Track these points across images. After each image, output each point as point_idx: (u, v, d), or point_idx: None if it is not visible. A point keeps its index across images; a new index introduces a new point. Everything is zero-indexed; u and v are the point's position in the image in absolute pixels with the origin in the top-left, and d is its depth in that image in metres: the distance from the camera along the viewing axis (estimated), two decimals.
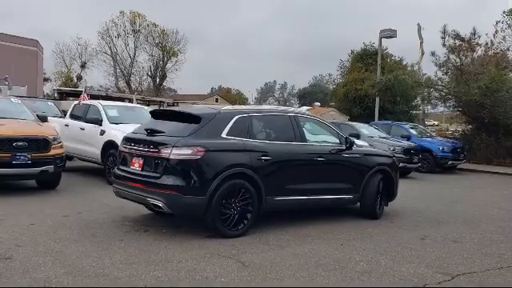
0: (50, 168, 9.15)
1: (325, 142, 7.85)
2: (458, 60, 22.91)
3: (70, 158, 12.44)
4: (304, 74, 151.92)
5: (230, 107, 6.96)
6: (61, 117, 14.32)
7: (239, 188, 6.46)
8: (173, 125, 6.68)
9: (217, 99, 58.48)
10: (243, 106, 7.21)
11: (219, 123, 6.56)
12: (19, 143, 8.74)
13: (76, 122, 12.27)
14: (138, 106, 14.22)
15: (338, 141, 7.92)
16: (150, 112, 7.35)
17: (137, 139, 6.72)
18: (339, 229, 7.31)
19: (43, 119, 10.62)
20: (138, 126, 10.81)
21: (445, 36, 22.84)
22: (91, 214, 7.60)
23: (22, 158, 8.76)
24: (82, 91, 14.89)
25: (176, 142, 6.15)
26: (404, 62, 39.22)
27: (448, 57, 22.97)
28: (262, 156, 6.69)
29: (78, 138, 11.91)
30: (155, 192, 6.16)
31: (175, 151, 6.09)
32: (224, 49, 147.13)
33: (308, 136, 7.49)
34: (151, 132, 6.57)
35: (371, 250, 6.19)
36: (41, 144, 9.11)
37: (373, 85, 25.18)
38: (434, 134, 22.92)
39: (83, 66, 59.11)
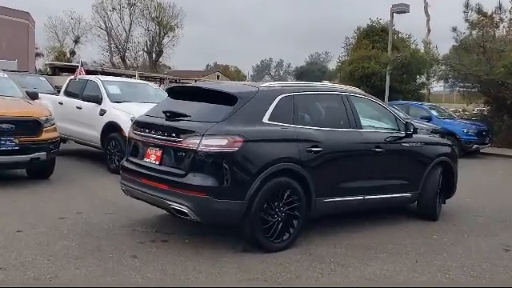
0: (42, 155, 7.68)
1: (381, 128, 6.41)
2: (480, 36, 21.33)
3: (64, 140, 10.97)
4: (300, 51, 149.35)
5: (268, 84, 5.46)
6: (54, 93, 12.74)
7: (285, 188, 5.04)
8: (199, 106, 5.20)
9: (218, 76, 56.49)
10: (284, 82, 5.70)
11: (259, 105, 5.09)
12: (4, 125, 7.24)
13: (71, 100, 10.74)
14: (142, 81, 12.67)
15: (395, 126, 6.47)
16: (168, 90, 5.84)
17: (153, 124, 5.25)
18: (399, 237, 5.93)
19: (33, 96, 9.10)
20: (152, 106, 9.43)
21: (467, 10, 21.21)
22: (93, 214, 6.16)
23: (7, 143, 7.28)
24: (76, 66, 13.25)
25: (206, 129, 4.68)
26: (412, 40, 37.75)
27: (470, 32, 21.40)
28: (312, 147, 5.25)
29: (74, 118, 10.41)
30: (178, 194, 4.72)
31: (206, 141, 4.63)
32: (220, 27, 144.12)
33: (362, 120, 6.03)
34: (172, 115, 5.10)
35: (457, 270, 4.82)
36: (30, 126, 7.62)
37: (387, 62, 23.55)
38: (454, 115, 21.52)
39: (77, 40, 56.93)
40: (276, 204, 4.99)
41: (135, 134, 5.48)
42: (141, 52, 55.46)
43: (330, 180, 5.48)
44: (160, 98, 10.69)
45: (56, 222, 5.70)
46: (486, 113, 23.03)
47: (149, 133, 5.21)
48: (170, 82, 24.67)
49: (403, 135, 6.40)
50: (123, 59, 55.08)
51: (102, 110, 9.72)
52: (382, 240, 5.70)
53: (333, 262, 4.83)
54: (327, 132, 5.52)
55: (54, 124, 8.14)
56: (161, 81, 25.31)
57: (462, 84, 23.00)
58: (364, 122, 6.05)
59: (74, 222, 5.75)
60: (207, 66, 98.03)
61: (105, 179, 8.57)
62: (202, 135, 4.66)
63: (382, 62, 25.44)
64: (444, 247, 5.60)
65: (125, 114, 9.23)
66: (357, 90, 6.43)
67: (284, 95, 5.29)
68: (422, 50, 24.65)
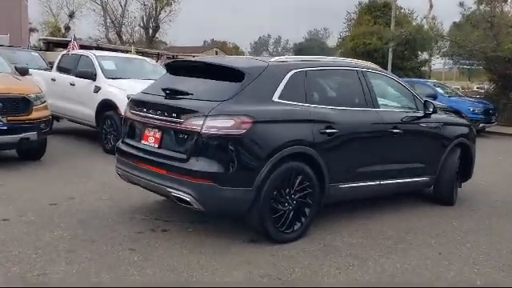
0: (32, 135, 7.19)
1: (398, 107, 5.93)
2: (488, 11, 20.70)
3: (57, 118, 10.48)
4: (298, 28, 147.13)
5: (278, 58, 4.94)
6: (46, 69, 12.17)
7: (296, 174, 4.58)
8: (202, 83, 4.70)
9: (216, 52, 55.39)
10: (295, 57, 5.19)
11: (269, 81, 4.59)
12: None
13: (64, 76, 10.19)
14: (139, 57, 12.10)
15: (413, 105, 6.00)
16: (167, 65, 5.31)
17: (151, 103, 4.75)
18: (417, 224, 5.51)
19: (23, 72, 8.54)
20: (150, 83, 8.96)
21: None
22: (87, 200, 5.71)
23: None
24: (70, 40, 12.61)
25: (210, 109, 4.20)
26: (415, 16, 37.05)
27: (478, 7, 20.76)
28: (326, 128, 4.78)
29: (67, 95, 9.88)
30: (180, 181, 4.26)
31: (210, 123, 4.15)
32: (217, 2, 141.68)
33: (379, 99, 5.54)
34: (172, 93, 4.60)
35: (485, 263, 4.41)
36: (19, 104, 7.11)
37: (391, 38, 22.92)
38: (459, 93, 21.04)
39: (71, 15, 55.56)
40: (287, 191, 4.55)
41: (132, 113, 4.99)
42: (137, 27, 54.35)
43: (345, 164, 5.02)
44: (158, 75, 10.14)
45: (46, 209, 5.25)
46: (490, 90, 22.53)
47: (147, 112, 4.73)
48: (168, 57, 24.01)
49: (421, 115, 5.93)
50: (119, 35, 53.97)
51: (96, 86, 9.20)
52: (399, 228, 5.28)
53: (350, 255, 4.40)
54: (342, 112, 5.04)
55: (44, 102, 7.62)
56: (158, 56, 24.65)
57: (466, 61, 22.44)
58: (381, 100, 5.57)
59: (66, 209, 5.30)
60: (204, 42, 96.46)
61: (100, 160, 8.10)
62: (206, 116, 4.18)
63: (385, 38, 24.75)
64: (466, 236, 5.18)
65: (121, 92, 8.72)
66: (372, 65, 5.92)
67: (296, 71, 4.79)
68: (426, 26, 23.96)
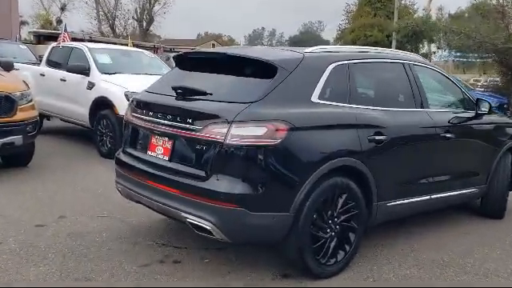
0: (17, 139, 6.25)
1: (447, 106, 5.06)
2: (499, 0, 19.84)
3: (47, 117, 9.54)
4: (292, 21, 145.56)
5: (314, 49, 4.01)
6: (35, 63, 11.18)
7: (340, 192, 3.70)
8: (223, 80, 3.80)
9: (213, 44, 54.15)
10: (331, 47, 4.27)
11: (306, 77, 3.69)
12: None
13: (54, 71, 9.21)
14: (136, 49, 11.14)
15: (462, 104, 5.13)
16: (177, 58, 4.36)
17: (158, 104, 3.84)
18: (472, 246, 4.67)
19: (7, 67, 7.57)
20: (149, 78, 8.02)
21: None
22: (80, 219, 4.80)
23: None
24: (62, 32, 11.60)
25: (236, 113, 3.29)
26: (416, 7, 36.30)
27: None
28: (375, 134, 3.90)
29: (58, 92, 8.93)
30: (198, 204, 3.36)
31: (236, 131, 3.25)
32: None
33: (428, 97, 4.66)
34: (185, 92, 3.69)
35: None
36: (2, 104, 6.17)
37: (396, 30, 22.03)
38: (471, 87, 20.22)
39: (63, 8, 54.21)
40: (329, 214, 3.66)
41: (135, 116, 4.08)
42: (131, 20, 53.16)
43: (394, 178, 4.15)
44: (158, 69, 9.27)
45: (32, 233, 4.34)
46: (500, 84, 21.73)
47: (153, 116, 3.82)
48: (165, 50, 22.99)
49: (472, 115, 5.04)
50: (112, 28, 52.78)
51: (89, 82, 8.26)
52: (454, 252, 4.42)
53: None
54: (391, 114, 4.15)
55: (31, 101, 6.68)
56: (154, 50, 23.61)
57: (475, 54, 21.62)
58: (430, 99, 4.69)
59: (55, 232, 4.39)
60: (198, 35, 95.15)
61: (95, 166, 7.18)
62: (231, 122, 3.27)
63: (389, 30, 23.88)
64: None
65: (117, 88, 7.81)
66: (419, 56, 5.03)
67: (337, 64, 3.89)
68: (434, 17, 23.10)
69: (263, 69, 3.59)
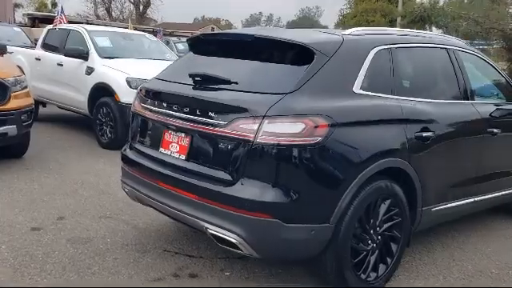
0: (11, 129, 5.72)
1: (492, 97, 4.55)
2: None
3: (43, 103, 8.99)
4: (290, 5, 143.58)
5: (353, 30, 3.46)
6: (30, 47, 10.59)
7: (384, 198, 3.20)
8: (249, 67, 3.26)
9: (213, 28, 52.97)
10: (371, 29, 3.71)
11: (347, 64, 3.17)
12: None
13: (51, 55, 8.63)
14: (137, 32, 10.53)
15: (504, 94, 4.62)
16: (191, 40, 3.78)
17: (172, 94, 3.31)
18: None
19: (0, 50, 7.00)
20: (152, 63, 7.51)
21: None
22: (81, 220, 4.30)
23: None
24: (59, 14, 10.96)
25: (269, 105, 2.78)
26: None
27: None
28: (422, 130, 3.39)
29: (55, 77, 8.36)
30: (222, 213, 2.85)
31: (269, 127, 2.74)
32: None
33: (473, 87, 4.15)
34: (204, 81, 3.15)
35: None
36: None
37: (403, 15, 21.42)
38: None
39: None
40: (371, 223, 3.16)
41: (144, 107, 3.55)
42: (127, 3, 52.21)
43: (441, 179, 3.67)
44: (161, 54, 8.72)
45: (27, 239, 3.83)
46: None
47: (167, 108, 3.29)
48: (165, 34, 22.31)
49: None
50: (108, 11, 51.88)
51: (88, 67, 7.69)
52: (501, 261, 3.96)
53: None
54: (438, 106, 3.65)
55: (26, 87, 6.14)
56: (153, 33, 22.89)
57: (482, 41, 21.08)
58: (475, 89, 4.17)
59: (54, 238, 3.88)
60: (195, 19, 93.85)
61: (95, 158, 6.65)
62: (263, 116, 2.75)
63: (395, 15, 23.26)
64: None
65: (118, 74, 7.27)
66: (461, 41, 4.50)
67: (379, 48, 3.37)
68: (442, 2, 22.48)
69: (298, 53, 3.06)
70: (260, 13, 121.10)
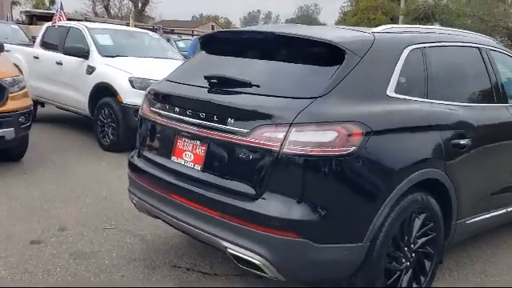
0: (8, 132, 5.42)
1: None
2: None
3: (42, 103, 8.68)
4: (288, 3, 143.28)
5: (384, 28, 3.16)
6: (28, 45, 10.26)
7: (419, 212, 2.91)
8: (271, 68, 2.96)
9: (212, 26, 52.40)
10: (401, 26, 3.43)
11: (380, 64, 2.89)
12: None
13: (50, 54, 8.31)
14: (139, 30, 10.21)
15: None
16: (204, 38, 3.46)
17: (185, 98, 3.02)
18: None
19: None
20: (157, 62, 7.22)
21: None
22: (84, 232, 4.01)
23: None
24: (58, 11, 10.63)
25: (297, 111, 2.48)
26: None
27: None
28: (459, 137, 3.10)
29: (54, 76, 8.05)
30: (244, 231, 2.56)
31: (297, 135, 2.45)
32: None
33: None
34: (222, 83, 2.86)
35: None
36: None
37: (406, 13, 21.12)
38: None
39: None
40: (405, 240, 2.87)
41: (153, 112, 3.25)
42: (126, 1, 51.88)
43: (476, 189, 3.39)
44: (164, 52, 8.41)
45: (26, 254, 3.54)
46: None
47: (180, 113, 3.00)
48: (165, 32, 21.96)
49: None
50: (107, 8, 51.58)
51: (89, 66, 7.38)
52: None
53: None
54: (473, 111, 3.37)
55: (24, 88, 5.84)
56: (153, 31, 22.56)
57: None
58: (508, 91, 3.88)
59: (55, 252, 3.59)
60: (193, 17, 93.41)
61: (96, 162, 6.35)
62: (290, 124, 2.46)
63: (400, 12, 22.94)
64: None
65: (121, 73, 6.96)
66: (491, 39, 4.21)
67: (412, 48, 3.08)
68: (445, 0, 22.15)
69: (327, 53, 2.77)
70: (258, 10, 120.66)
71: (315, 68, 2.78)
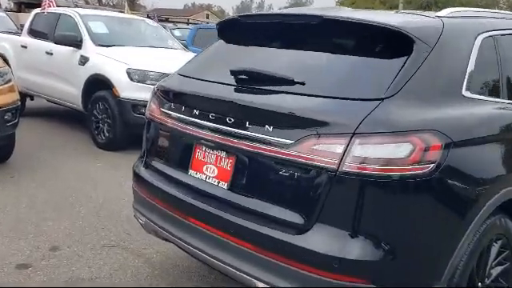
0: None
1: None
2: None
3: (31, 96, 8.04)
4: None
5: (450, 12, 2.57)
6: (16, 33, 9.56)
7: (497, 238, 2.35)
8: (318, 60, 2.36)
9: (207, 15, 51.32)
10: (467, 9, 2.81)
11: (452, 57, 2.30)
12: None
13: (39, 42, 7.66)
14: (136, 17, 9.54)
15: None
16: (222, 24, 2.80)
17: (206, 97, 2.42)
18: None
19: None
20: (155, 52, 6.64)
21: None
22: (80, 252, 3.42)
23: None
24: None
25: (360, 116, 1.90)
26: None
27: None
28: None
29: (43, 67, 7.41)
30: (289, 272, 1.98)
31: (361, 148, 1.89)
32: None
33: None
34: (252, 79, 2.26)
35: None
36: None
37: (408, 1, 20.59)
38: None
39: None
40: (480, 272, 2.31)
41: (164, 113, 2.65)
42: None
43: None
44: (163, 41, 7.80)
45: (10, 281, 2.93)
46: None
47: (199, 116, 2.40)
48: (160, 20, 21.19)
49: None
50: None
51: (82, 56, 6.75)
52: None
53: None
54: None
55: (10, 81, 5.21)
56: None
57: None
58: None
59: (45, 280, 3.01)
60: (185, 5, 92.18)
61: (91, 161, 5.75)
62: (352, 134, 1.88)
63: (394, 3, 22.42)
64: None
65: (117, 64, 6.36)
66: None
67: (485, 35, 2.50)
68: None
69: (390, 42, 2.19)
70: (251, 0, 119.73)
71: (376, 61, 2.19)
